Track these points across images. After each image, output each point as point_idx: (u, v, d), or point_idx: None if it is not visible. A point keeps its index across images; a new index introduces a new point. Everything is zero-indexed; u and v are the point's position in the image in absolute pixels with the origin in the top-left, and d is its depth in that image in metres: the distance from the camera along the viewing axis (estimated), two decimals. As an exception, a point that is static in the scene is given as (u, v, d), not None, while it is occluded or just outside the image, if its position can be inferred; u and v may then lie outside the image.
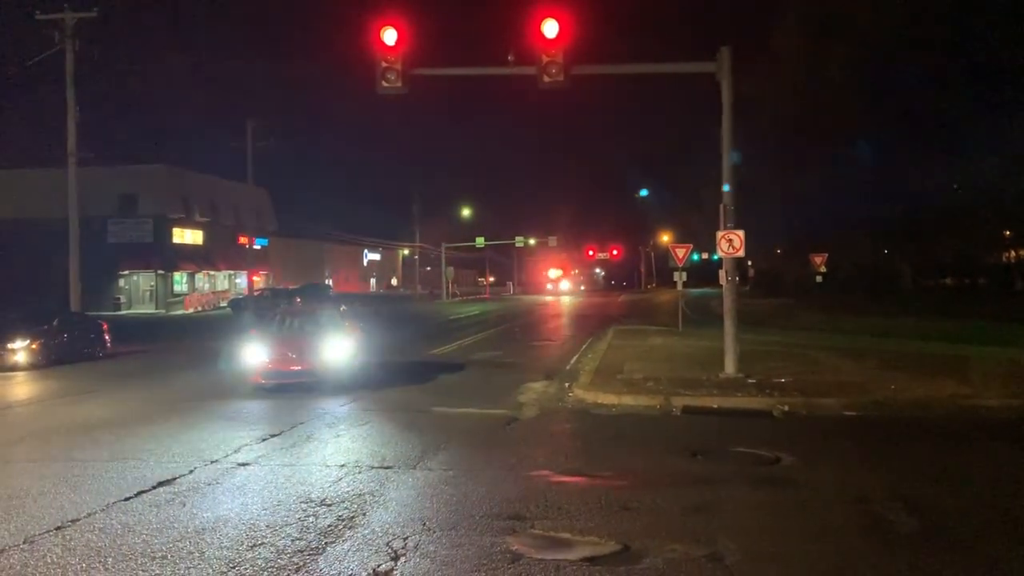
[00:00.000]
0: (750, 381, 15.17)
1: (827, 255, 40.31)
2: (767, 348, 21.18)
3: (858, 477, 8.78)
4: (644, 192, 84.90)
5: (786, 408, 13.02)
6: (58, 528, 7.10)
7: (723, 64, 16.09)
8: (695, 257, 39.11)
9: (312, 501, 7.84)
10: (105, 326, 24.18)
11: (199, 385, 17.07)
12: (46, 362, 20.55)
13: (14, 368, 19.81)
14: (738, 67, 16.42)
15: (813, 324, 32.15)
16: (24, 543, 6.72)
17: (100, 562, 6.27)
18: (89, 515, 7.47)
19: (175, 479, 8.78)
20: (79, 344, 22.44)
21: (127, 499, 8.01)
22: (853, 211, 43.54)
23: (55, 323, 21.96)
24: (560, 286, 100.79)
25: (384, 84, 15.93)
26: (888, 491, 8.10)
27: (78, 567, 6.17)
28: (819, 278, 40.61)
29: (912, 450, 10.49)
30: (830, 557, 6.32)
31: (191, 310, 55.02)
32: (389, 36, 15.74)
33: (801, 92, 38.61)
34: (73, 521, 7.29)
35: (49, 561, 6.31)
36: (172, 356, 24.14)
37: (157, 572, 6.06)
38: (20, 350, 20.16)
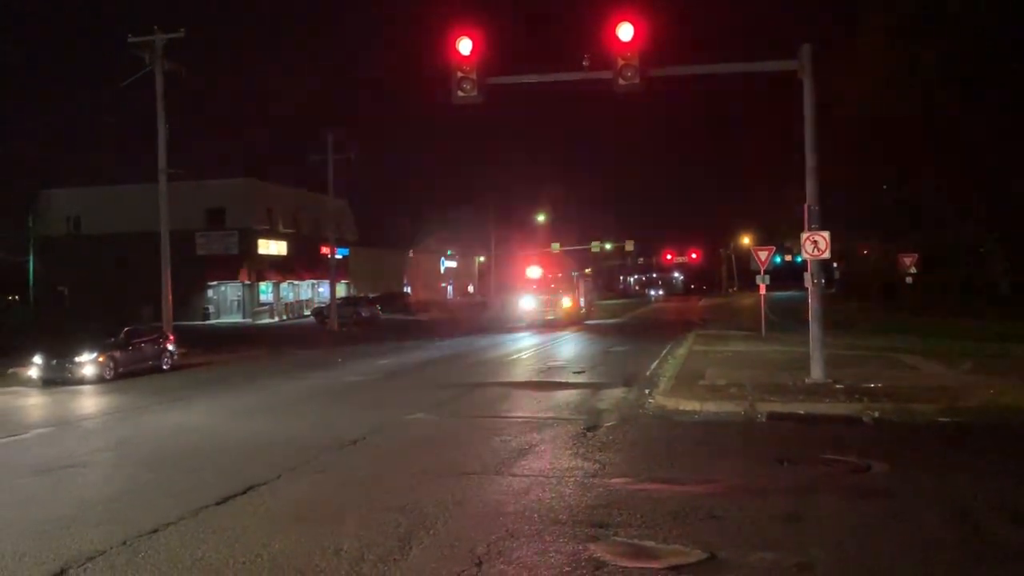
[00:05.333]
0: (838, 386, 14.69)
1: (917, 255, 38.85)
2: (855, 352, 20.53)
3: (957, 486, 8.38)
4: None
5: (876, 414, 12.55)
6: (153, 531, 7.35)
7: (805, 61, 15.68)
8: (777, 259, 38.24)
9: (393, 507, 7.90)
10: (172, 338, 24.72)
11: (250, 402, 17.41)
12: (112, 375, 21.05)
13: (81, 381, 20.37)
14: (821, 64, 15.98)
15: (903, 327, 31.02)
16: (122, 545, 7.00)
17: (195, 564, 6.47)
18: (180, 520, 7.72)
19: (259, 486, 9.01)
20: (146, 356, 22.95)
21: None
22: (946, 210, 41.84)
23: (122, 336, 22.49)
24: (546, 304, 43.98)
25: (460, 94, 16.06)
26: (992, 502, 7.71)
27: (174, 569, 6.39)
28: (909, 279, 39.18)
29: (1017, 458, 9.99)
30: (930, 571, 6.05)
31: (276, 319, 56.49)
32: (464, 46, 15.87)
33: (890, 86, 37.29)
34: (168, 524, 7.54)
35: (145, 563, 6.54)
36: (238, 367, 24.69)
37: None
38: (87, 364, 20.69)
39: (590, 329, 40.01)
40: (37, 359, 20.88)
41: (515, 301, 45.79)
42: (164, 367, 23.37)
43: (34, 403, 17.84)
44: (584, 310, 47.90)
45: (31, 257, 56.05)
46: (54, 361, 20.76)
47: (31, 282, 56.43)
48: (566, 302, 44.15)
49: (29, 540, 7.19)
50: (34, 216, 56.96)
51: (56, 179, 57.53)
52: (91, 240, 54.93)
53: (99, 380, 20.55)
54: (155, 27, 28.37)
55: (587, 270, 67.59)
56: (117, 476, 9.88)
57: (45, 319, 49.57)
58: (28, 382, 20.83)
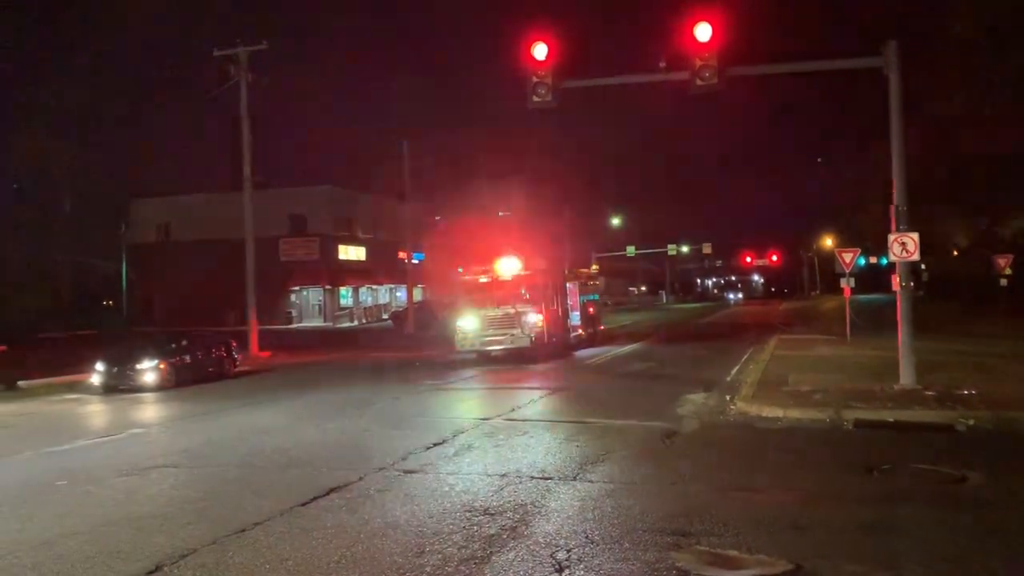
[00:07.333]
0: (928, 393, 14.16)
1: (1012, 256, 37.15)
2: (946, 357, 19.74)
3: (1061, 499, 7.99)
4: None
5: (971, 422, 12.04)
6: (241, 531, 7.56)
7: (890, 58, 15.20)
8: (861, 261, 37.06)
9: (475, 510, 7.96)
10: (234, 344, 24.66)
11: (332, 404, 17.74)
12: (174, 383, 20.97)
13: (142, 388, 20.46)
14: (907, 59, 15.46)
15: (998, 331, 29.70)
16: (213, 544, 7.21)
17: (282, 564, 6.63)
18: (266, 520, 7.92)
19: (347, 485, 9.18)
20: (208, 363, 22.94)
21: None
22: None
23: (184, 343, 22.60)
24: (499, 324, 25.18)
25: (535, 99, 16.07)
26: (1098, 515, 7.32)
27: (262, 569, 6.56)
28: (1003, 281, 37.48)
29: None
30: (1032, 587, 5.77)
31: (356, 323, 57.58)
32: (540, 51, 15.90)
33: (980, 82, 35.78)
34: (255, 524, 7.74)
35: (235, 562, 6.73)
36: (316, 370, 25.05)
37: (332, 576, 6.33)
38: (148, 371, 20.72)
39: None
40: (99, 366, 20.98)
41: (457, 319, 26.09)
42: (229, 373, 23.36)
43: (95, 410, 18.07)
44: (581, 333, 29.49)
45: (123, 264, 58.52)
46: (115, 368, 20.89)
47: (123, 288, 58.89)
48: (534, 322, 24.98)
49: (125, 537, 7.49)
50: (126, 224, 59.48)
51: (147, 188, 60.03)
52: (180, 247, 57.02)
53: (159, 387, 20.51)
54: (238, 40, 29.30)
55: (594, 267, 47.08)
56: (203, 476, 10.20)
57: (135, 325, 51.63)
58: (90, 388, 21.02)
